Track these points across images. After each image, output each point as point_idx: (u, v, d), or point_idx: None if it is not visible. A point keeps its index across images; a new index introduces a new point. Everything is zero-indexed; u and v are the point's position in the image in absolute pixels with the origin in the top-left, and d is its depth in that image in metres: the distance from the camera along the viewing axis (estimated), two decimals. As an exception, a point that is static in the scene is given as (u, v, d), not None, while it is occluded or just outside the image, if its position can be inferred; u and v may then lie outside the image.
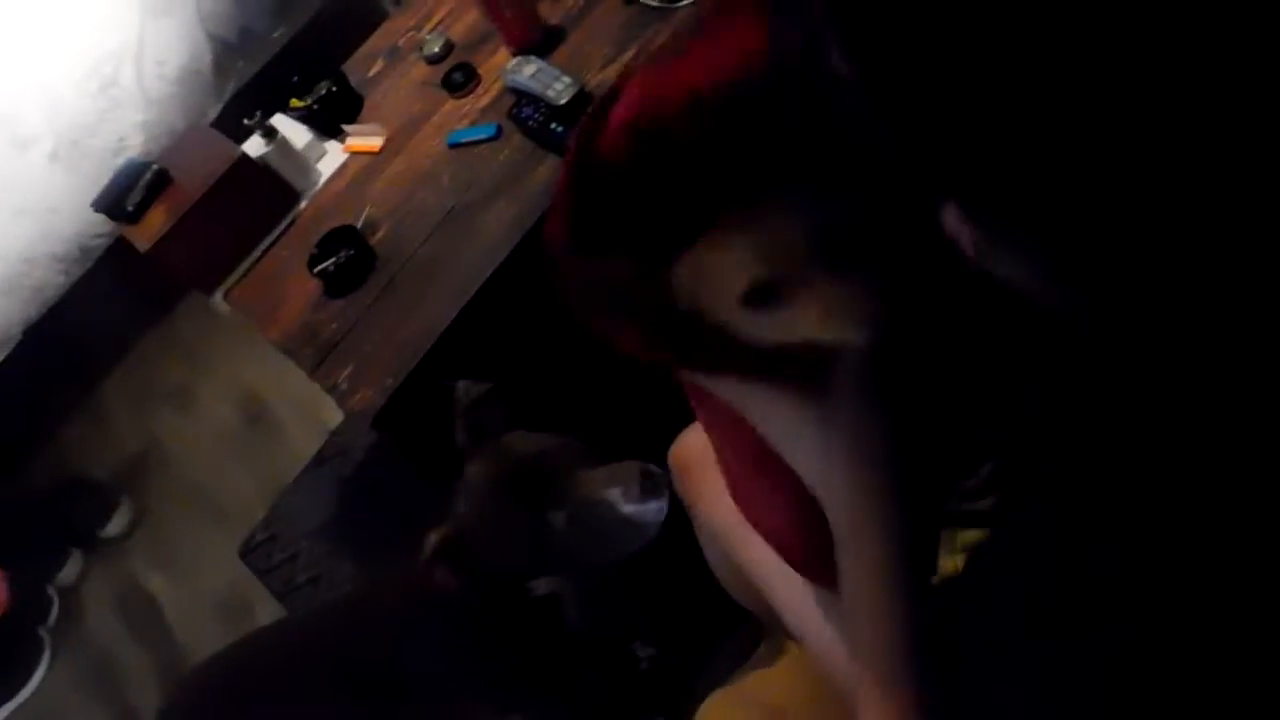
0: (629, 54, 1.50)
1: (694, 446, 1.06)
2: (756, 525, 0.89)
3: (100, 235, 2.38)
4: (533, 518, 1.04)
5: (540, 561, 1.11)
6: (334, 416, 2.36)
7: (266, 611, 2.12)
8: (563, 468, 1.06)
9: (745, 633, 1.46)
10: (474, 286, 1.37)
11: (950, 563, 0.65)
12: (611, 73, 1.48)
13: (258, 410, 2.53)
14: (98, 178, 1.86)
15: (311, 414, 2.41)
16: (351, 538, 2.12)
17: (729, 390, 0.67)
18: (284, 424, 2.46)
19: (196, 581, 2.28)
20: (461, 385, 1.18)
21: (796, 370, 0.61)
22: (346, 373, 1.39)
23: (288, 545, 2.20)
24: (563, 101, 1.44)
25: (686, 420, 1.09)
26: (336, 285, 1.50)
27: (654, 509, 1.02)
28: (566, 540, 1.04)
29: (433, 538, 1.06)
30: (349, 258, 1.49)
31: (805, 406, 0.62)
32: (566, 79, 1.46)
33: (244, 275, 1.62)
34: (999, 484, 0.60)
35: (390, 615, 1.24)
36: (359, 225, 1.54)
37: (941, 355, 0.58)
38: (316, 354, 1.45)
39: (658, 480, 1.03)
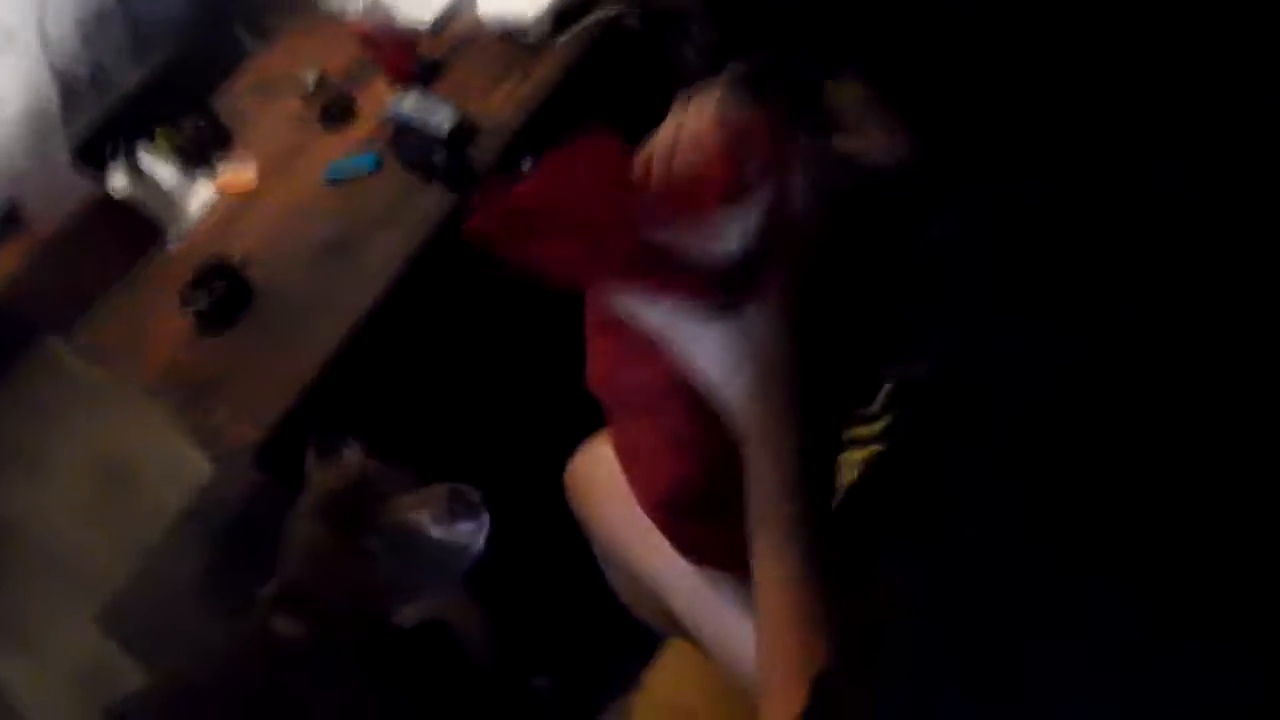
0: (508, 84, 1.51)
1: (589, 465, 1.06)
2: (649, 484, 0.88)
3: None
4: (347, 545, 1.02)
5: (368, 592, 1.09)
6: (201, 473, 2.24)
7: (132, 682, 1.98)
8: (376, 494, 1.05)
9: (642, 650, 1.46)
10: (355, 318, 1.33)
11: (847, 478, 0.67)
12: (493, 103, 1.49)
13: (117, 470, 2.38)
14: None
15: (176, 472, 2.28)
16: (230, 591, 2.00)
17: (650, 313, 0.67)
18: (147, 484, 2.31)
19: (50, 661, 2.11)
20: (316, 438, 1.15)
21: (727, 281, 0.64)
22: (224, 412, 1.34)
23: (155, 609, 2.07)
24: (445, 130, 1.44)
25: (563, 459, 1.08)
26: (210, 322, 1.44)
27: (468, 530, 1.02)
28: (386, 567, 1.04)
29: (266, 590, 1.04)
30: (224, 293, 1.43)
31: (726, 319, 0.64)
32: (447, 109, 1.46)
33: (106, 318, 1.53)
34: (893, 406, 0.63)
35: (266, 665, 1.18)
36: (233, 261, 1.48)
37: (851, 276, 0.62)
38: (190, 394, 1.39)
39: (471, 502, 1.03)
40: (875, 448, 0.64)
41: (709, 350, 0.65)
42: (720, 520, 0.87)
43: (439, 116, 1.45)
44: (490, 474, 1.15)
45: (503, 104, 1.48)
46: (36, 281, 1.50)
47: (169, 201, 1.59)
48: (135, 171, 1.57)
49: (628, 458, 0.89)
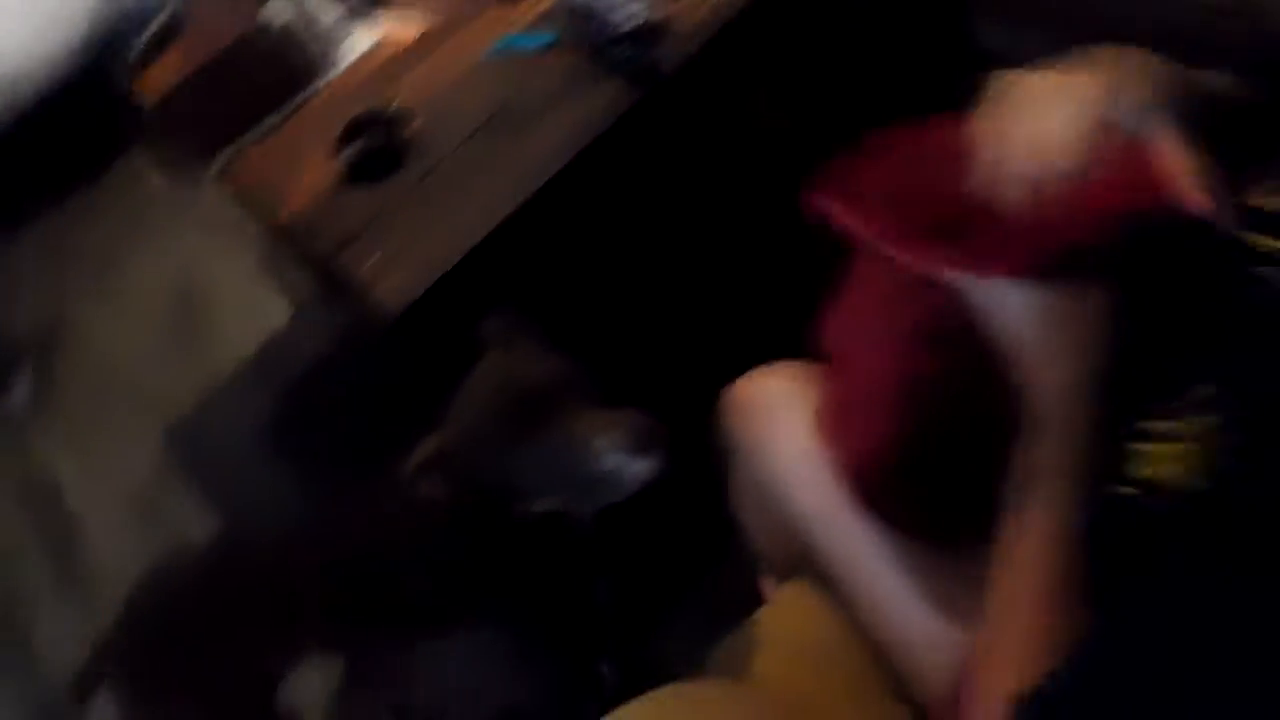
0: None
1: (759, 391, 1.05)
2: (844, 444, 0.89)
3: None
4: (519, 439, 0.98)
5: (519, 486, 1.06)
6: (279, 319, 2.24)
7: (186, 511, 2.00)
8: (563, 398, 1.00)
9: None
10: (520, 198, 1.31)
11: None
12: (680, 8, 1.44)
13: (192, 298, 2.37)
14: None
15: (256, 313, 2.28)
16: (293, 448, 2.01)
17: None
18: (221, 319, 2.31)
19: (108, 471, 2.13)
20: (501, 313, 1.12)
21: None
22: (371, 262, 1.32)
23: (220, 446, 2.08)
24: (633, 24, 1.40)
25: (727, 370, 1.07)
26: (360, 174, 1.41)
27: (640, 467, 0.96)
28: (545, 472, 1.00)
29: (423, 447, 1.01)
30: (379, 146, 1.41)
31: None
32: (639, 3, 1.41)
33: (250, 150, 1.51)
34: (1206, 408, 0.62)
35: (373, 528, 1.18)
36: (389, 113, 1.46)
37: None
38: (336, 240, 1.36)
39: (654, 439, 0.97)
40: (1184, 446, 0.63)
41: (1023, 314, 0.67)
42: (916, 486, 0.87)
43: (628, 9, 1.41)
44: (622, 385, 1.14)
45: (696, 7, 1.43)
46: (186, 101, 1.47)
47: (328, 42, 1.56)
48: (298, 5, 1.53)
49: (842, 408, 0.89)
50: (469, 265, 1.29)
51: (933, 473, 0.86)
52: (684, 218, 1.42)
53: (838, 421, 0.90)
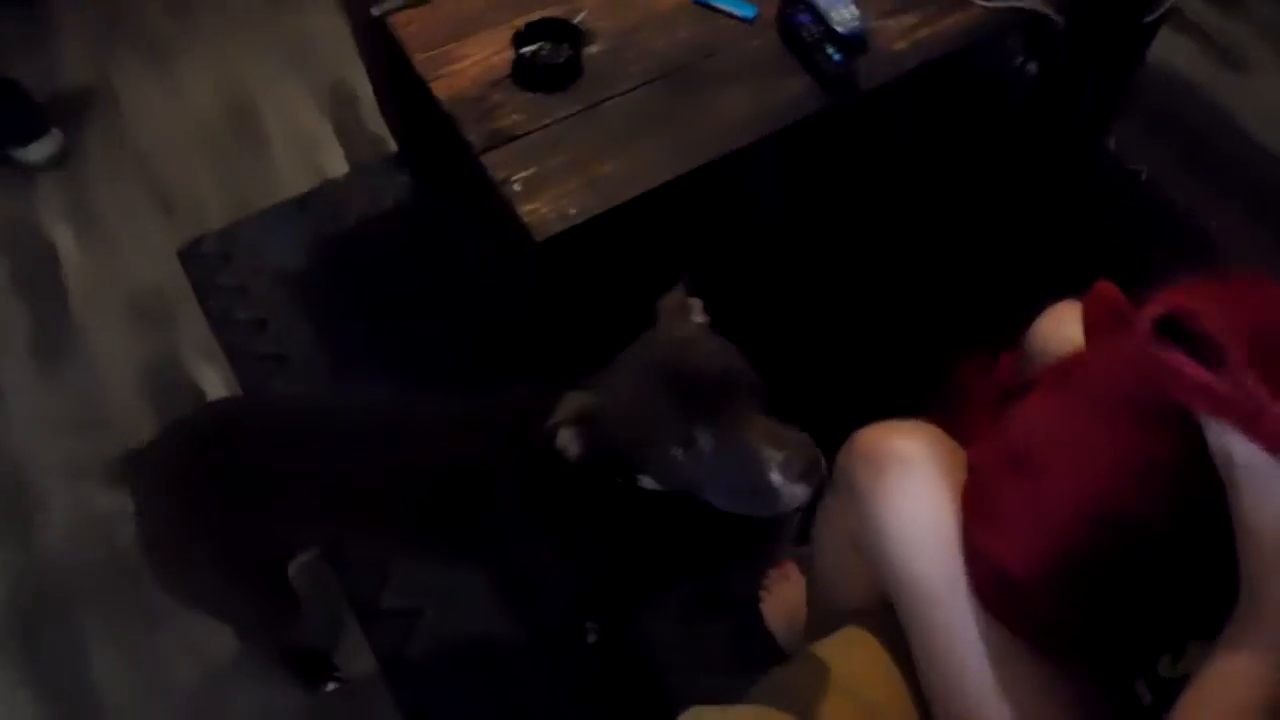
0: (912, 18, 1.44)
1: (905, 446, 1.05)
2: (1004, 540, 0.90)
3: None
4: (681, 425, 0.92)
5: (662, 470, 1.03)
6: (333, 165, 2.15)
7: (188, 328, 1.91)
8: (735, 396, 0.94)
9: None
10: (697, 161, 1.28)
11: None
12: (889, 28, 1.42)
13: (246, 114, 2.26)
14: None
15: (307, 150, 2.18)
16: (318, 300, 1.94)
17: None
18: (271, 144, 2.20)
19: (115, 260, 2.02)
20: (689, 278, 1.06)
21: None
22: (525, 174, 1.27)
23: (239, 273, 1.99)
24: (846, 30, 1.37)
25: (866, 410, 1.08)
26: (533, 77, 1.35)
27: (796, 493, 0.90)
28: (697, 467, 0.94)
29: (568, 403, 0.97)
30: (564, 57, 1.35)
31: None
32: (854, 10, 1.38)
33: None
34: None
35: (474, 434, 1.13)
36: (573, 24, 1.40)
37: None
38: (490, 136, 1.30)
39: (818, 470, 0.91)
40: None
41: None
42: (1058, 605, 0.89)
43: (848, 12, 1.38)
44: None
45: (898, 36, 1.41)
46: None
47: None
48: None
49: (1020, 508, 0.90)
50: (619, 216, 1.25)
51: (1082, 600, 0.89)
52: (838, 230, 1.41)
53: (1009, 518, 0.91)
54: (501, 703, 1.49)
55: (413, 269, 1.95)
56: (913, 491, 1.02)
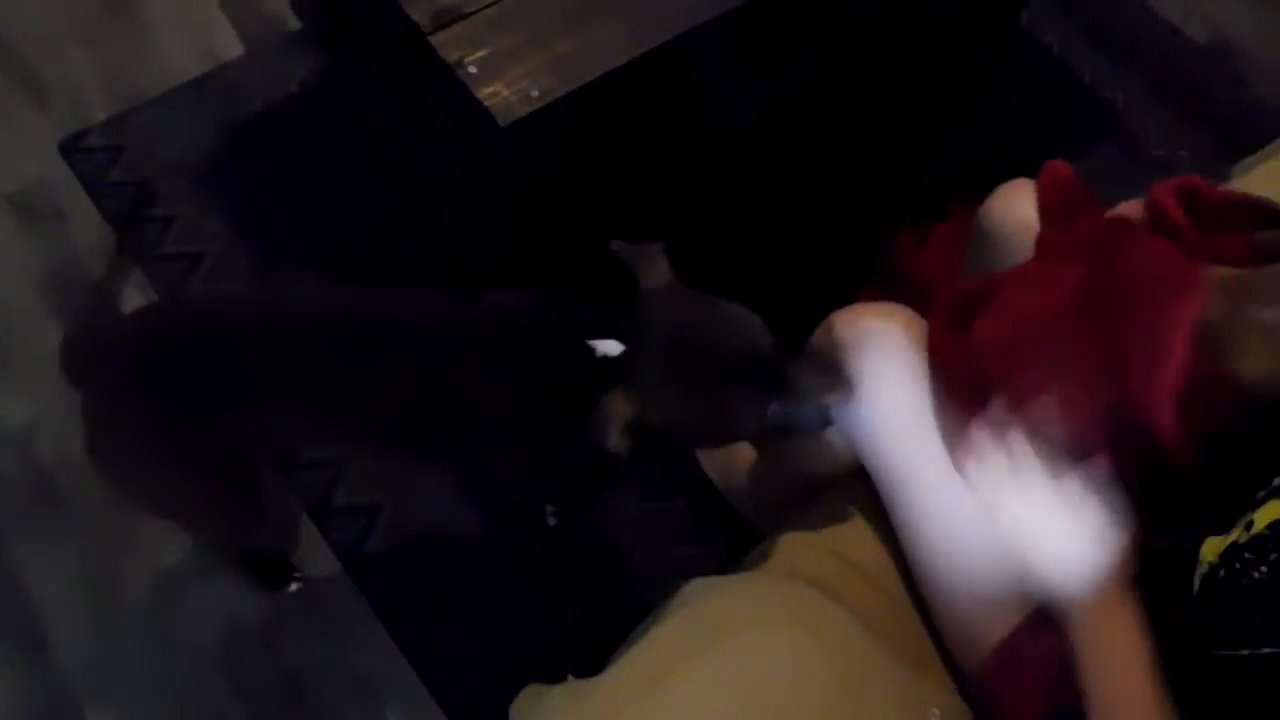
0: None
1: (884, 324, 1.09)
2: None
3: None
4: (753, 410, 0.95)
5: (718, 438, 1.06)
6: (227, 48, 1.99)
7: (83, 228, 1.78)
8: (777, 359, 0.96)
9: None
10: (659, 38, 1.24)
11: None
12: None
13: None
14: None
15: (195, 32, 2.01)
16: (226, 193, 1.83)
17: None
18: (154, 28, 2.02)
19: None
20: (617, 245, 1.04)
21: None
22: (479, 55, 1.21)
23: (134, 167, 1.85)
24: None
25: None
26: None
27: (826, 411, 0.97)
28: (757, 429, 0.98)
29: (614, 409, 0.93)
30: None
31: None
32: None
33: None
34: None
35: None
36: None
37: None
38: (436, 16, 1.23)
39: (851, 383, 0.99)
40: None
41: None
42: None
43: None
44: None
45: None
46: None
47: None
48: None
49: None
50: (580, 99, 1.22)
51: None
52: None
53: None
54: (466, 589, 1.50)
55: (329, 155, 1.85)
56: (890, 373, 1.06)
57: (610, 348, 0.98)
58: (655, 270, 1.01)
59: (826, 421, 0.97)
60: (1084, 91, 1.99)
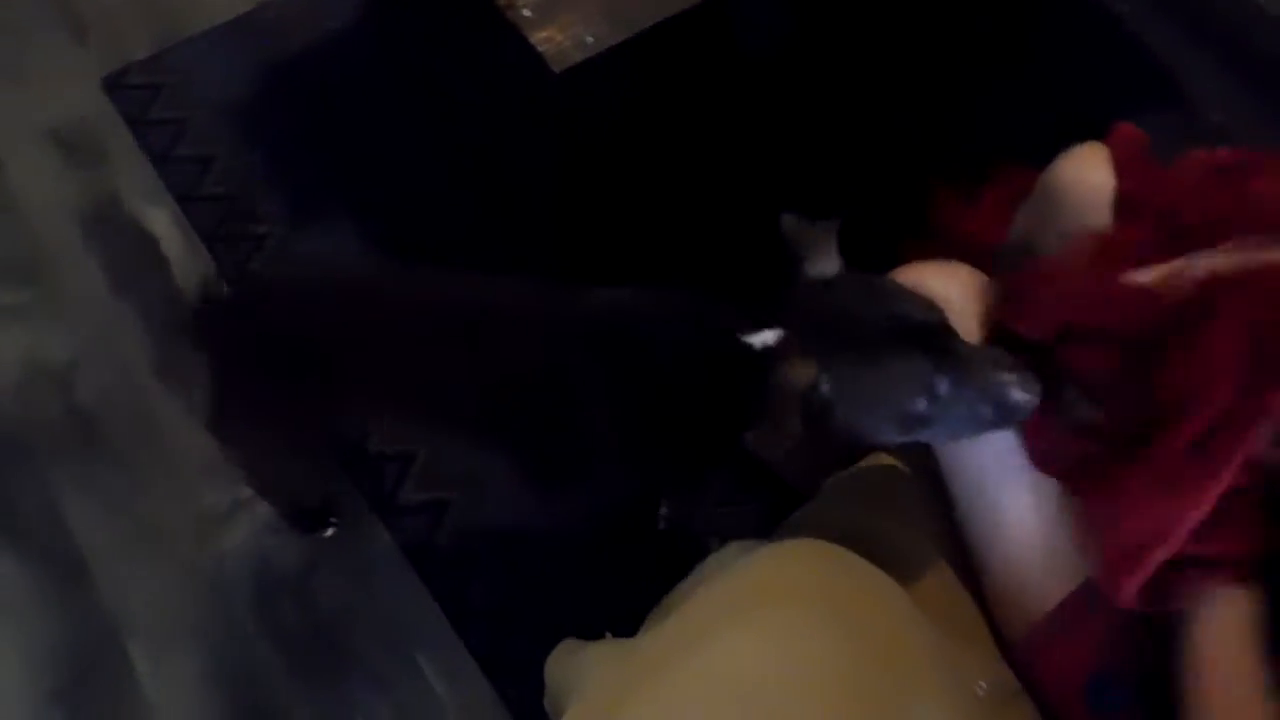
0: None
1: (946, 284, 1.06)
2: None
3: None
4: (925, 380, 0.86)
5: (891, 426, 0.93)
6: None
7: (125, 166, 1.77)
8: (948, 332, 0.90)
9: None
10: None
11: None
12: None
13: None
14: None
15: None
16: (267, 133, 1.81)
17: None
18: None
19: (27, 91, 1.82)
20: (789, 221, 0.96)
21: None
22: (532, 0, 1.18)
23: (175, 104, 1.84)
24: None
25: None
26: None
27: (1030, 403, 0.88)
28: (929, 413, 0.89)
29: (799, 372, 0.87)
30: None
31: None
32: None
33: None
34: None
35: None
36: None
37: None
38: (490, -46, 1.20)
39: (1034, 376, 0.89)
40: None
41: None
42: None
43: None
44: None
45: None
46: None
47: None
48: None
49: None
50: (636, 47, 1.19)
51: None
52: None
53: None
54: (503, 544, 1.49)
55: (369, 98, 1.82)
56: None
57: (768, 337, 0.91)
58: (824, 257, 0.95)
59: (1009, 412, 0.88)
60: (1147, 58, 1.93)
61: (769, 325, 0.91)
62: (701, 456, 1.09)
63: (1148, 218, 1.04)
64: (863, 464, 1.18)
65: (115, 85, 1.83)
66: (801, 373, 0.87)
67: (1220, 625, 0.82)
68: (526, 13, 1.17)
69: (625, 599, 1.07)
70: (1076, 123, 1.20)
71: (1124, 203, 1.09)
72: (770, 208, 0.95)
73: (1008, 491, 0.99)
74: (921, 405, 0.87)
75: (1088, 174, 1.14)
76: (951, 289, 1.06)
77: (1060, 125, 1.25)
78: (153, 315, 1.61)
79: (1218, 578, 0.83)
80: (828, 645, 0.87)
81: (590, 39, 1.16)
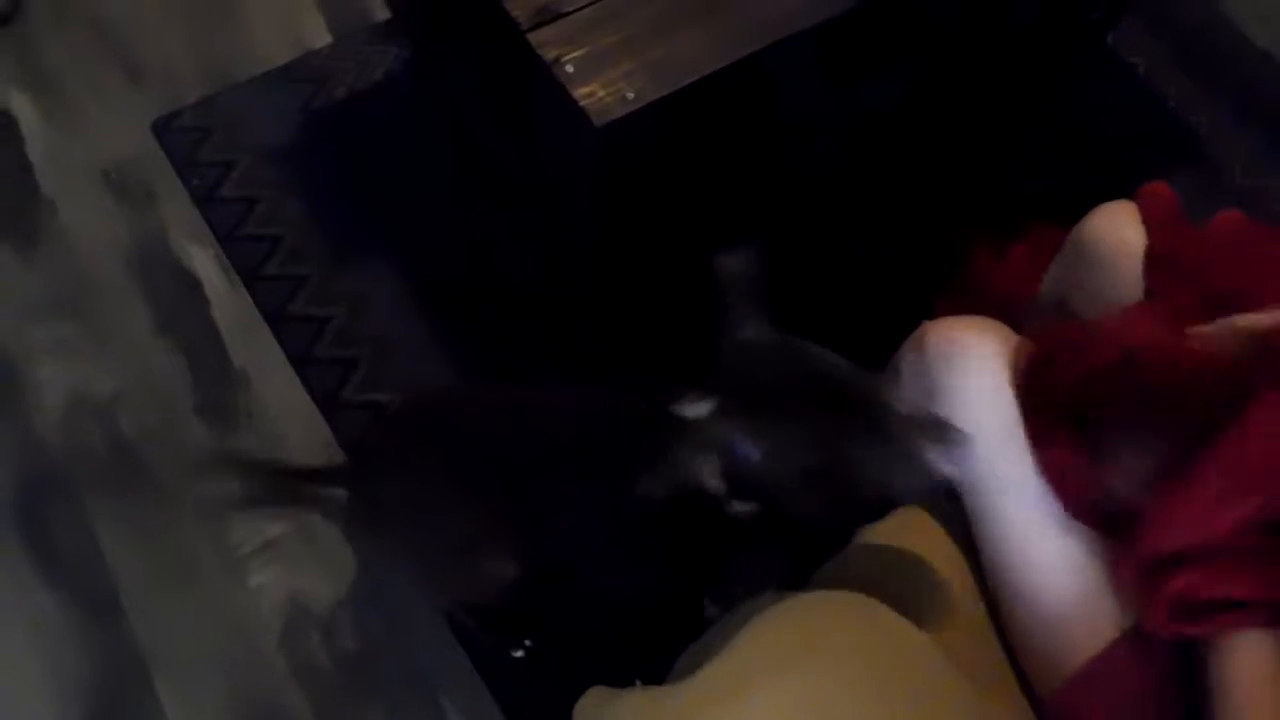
0: None
1: (980, 338, 1.08)
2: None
3: None
4: (838, 444, 0.89)
5: (802, 490, 0.95)
6: (315, 37, 2.03)
7: (171, 206, 1.81)
8: (867, 395, 0.90)
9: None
10: (753, 46, 1.24)
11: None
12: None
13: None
14: None
15: (284, 18, 2.05)
16: (309, 179, 1.86)
17: None
18: (244, 12, 2.06)
19: (82, 132, 1.88)
20: (725, 260, 0.98)
21: None
22: (576, 55, 1.21)
23: (222, 148, 1.89)
24: None
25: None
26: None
27: (944, 465, 0.89)
28: (844, 476, 0.91)
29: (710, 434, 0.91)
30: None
31: None
32: None
33: None
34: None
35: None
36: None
37: None
38: (536, 13, 1.24)
39: (957, 433, 0.90)
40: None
41: None
42: None
43: None
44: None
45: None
46: None
47: None
48: None
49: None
50: (676, 103, 1.22)
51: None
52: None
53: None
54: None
55: (411, 147, 1.87)
56: (985, 387, 1.05)
57: (699, 409, 0.93)
58: (749, 316, 0.96)
59: (928, 478, 0.89)
60: (1169, 115, 1.95)
61: (699, 394, 0.93)
62: (692, 536, 1.11)
63: (1182, 282, 1.05)
64: (893, 514, 1.18)
65: (166, 128, 1.89)
66: (711, 435, 0.90)
67: (1254, 668, 0.81)
68: (569, 68, 1.20)
69: (654, 644, 1.07)
70: (1107, 179, 1.22)
71: (1154, 260, 1.10)
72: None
73: (1039, 540, 1.00)
74: (831, 464, 0.89)
75: (1118, 231, 1.15)
76: (986, 342, 1.07)
77: (1090, 181, 1.28)
78: (195, 352, 1.65)
79: (1250, 620, 0.82)
80: (861, 706, 0.87)
81: (631, 95, 1.19)
